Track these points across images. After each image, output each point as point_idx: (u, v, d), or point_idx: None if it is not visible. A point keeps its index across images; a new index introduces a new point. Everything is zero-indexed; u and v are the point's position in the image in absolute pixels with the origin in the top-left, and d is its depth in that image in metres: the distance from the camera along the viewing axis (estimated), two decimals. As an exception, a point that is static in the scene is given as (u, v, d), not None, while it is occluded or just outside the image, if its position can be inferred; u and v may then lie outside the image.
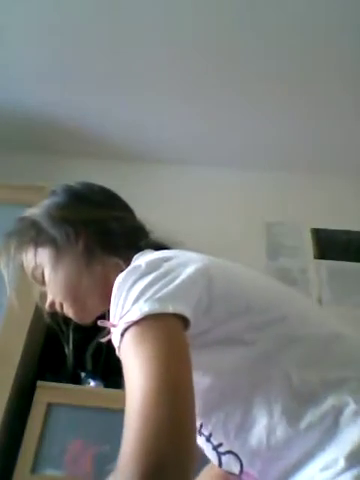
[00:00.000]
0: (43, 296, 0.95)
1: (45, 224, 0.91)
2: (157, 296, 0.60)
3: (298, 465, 0.59)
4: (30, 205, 1.93)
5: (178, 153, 2.83)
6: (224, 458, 0.68)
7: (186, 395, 0.55)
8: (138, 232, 0.99)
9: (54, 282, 0.88)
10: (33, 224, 0.92)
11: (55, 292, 0.89)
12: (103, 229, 0.90)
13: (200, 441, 0.71)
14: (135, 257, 0.82)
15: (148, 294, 0.61)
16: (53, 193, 1.02)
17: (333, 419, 0.58)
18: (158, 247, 0.89)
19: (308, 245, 2.61)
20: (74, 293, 0.88)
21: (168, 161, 2.86)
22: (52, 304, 0.92)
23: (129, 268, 0.70)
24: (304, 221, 2.68)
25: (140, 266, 0.68)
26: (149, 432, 0.52)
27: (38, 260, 0.88)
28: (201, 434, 0.70)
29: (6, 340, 1.64)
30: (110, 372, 1.84)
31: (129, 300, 0.62)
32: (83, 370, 1.78)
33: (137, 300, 0.61)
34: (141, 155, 2.85)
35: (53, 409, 1.63)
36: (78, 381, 1.74)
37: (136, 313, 0.59)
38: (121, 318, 0.62)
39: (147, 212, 2.93)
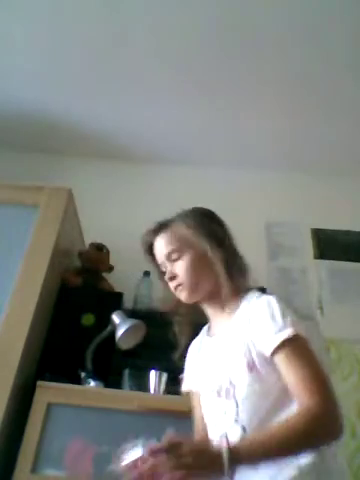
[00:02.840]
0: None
1: (204, 228, 1.22)
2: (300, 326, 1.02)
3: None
4: (30, 205, 1.95)
5: (178, 153, 2.83)
6: (234, 427, 1.00)
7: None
8: (245, 271, 1.24)
9: (189, 266, 1.16)
10: (203, 219, 1.25)
11: (184, 272, 1.16)
12: (233, 253, 1.23)
13: (231, 409, 1.02)
14: (255, 291, 1.18)
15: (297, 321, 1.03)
16: (202, 212, 1.37)
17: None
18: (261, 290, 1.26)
19: (308, 245, 2.61)
20: (196, 279, 1.16)
21: (168, 161, 2.86)
22: (172, 277, 1.18)
23: (276, 298, 1.10)
24: (304, 221, 2.68)
25: (281, 301, 1.09)
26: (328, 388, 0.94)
27: (185, 246, 1.19)
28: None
29: (6, 340, 1.64)
30: (110, 372, 1.84)
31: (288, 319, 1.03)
32: (83, 370, 1.78)
33: (294, 323, 1.02)
34: (141, 155, 2.85)
35: (53, 409, 1.62)
36: (78, 381, 1.74)
37: (297, 330, 1.00)
38: (280, 330, 1.00)
39: (147, 212, 2.95)
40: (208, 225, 1.23)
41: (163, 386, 1.74)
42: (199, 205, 2.68)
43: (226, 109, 2.51)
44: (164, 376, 1.74)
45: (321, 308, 2.37)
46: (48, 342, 1.89)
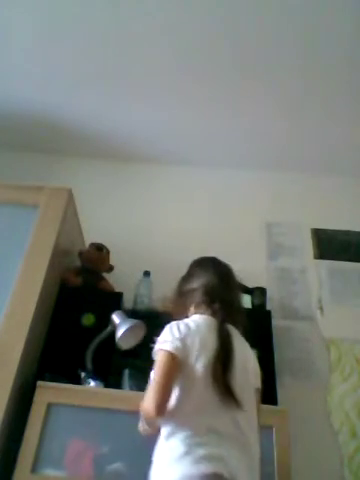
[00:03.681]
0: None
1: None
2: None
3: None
4: (30, 205, 1.95)
5: (178, 153, 2.83)
6: None
7: None
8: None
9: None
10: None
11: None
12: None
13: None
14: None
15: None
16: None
17: None
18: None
19: (308, 245, 2.61)
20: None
21: (168, 161, 2.86)
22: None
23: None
24: (304, 221, 2.68)
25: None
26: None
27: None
28: None
29: (6, 340, 1.64)
30: (110, 372, 1.84)
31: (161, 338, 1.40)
32: (83, 370, 1.78)
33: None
34: (141, 155, 2.85)
35: (53, 409, 1.62)
36: (78, 381, 1.74)
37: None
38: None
39: (147, 212, 2.94)
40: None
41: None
42: (199, 205, 2.70)
43: (226, 109, 2.51)
44: None
45: (321, 308, 2.37)
46: (48, 342, 1.89)
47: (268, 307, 2.23)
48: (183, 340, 1.30)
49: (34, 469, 1.52)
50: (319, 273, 2.51)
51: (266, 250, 2.59)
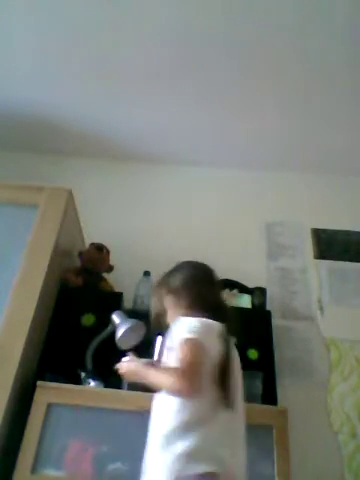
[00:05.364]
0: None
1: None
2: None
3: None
4: (30, 205, 1.95)
5: (178, 153, 2.83)
6: None
7: None
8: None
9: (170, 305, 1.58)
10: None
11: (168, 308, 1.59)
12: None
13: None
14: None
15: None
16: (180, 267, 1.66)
17: None
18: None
19: (308, 245, 2.61)
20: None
21: (168, 161, 2.86)
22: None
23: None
24: (304, 221, 2.68)
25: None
26: None
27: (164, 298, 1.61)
28: None
29: (6, 340, 1.64)
30: (110, 372, 1.84)
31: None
32: (83, 370, 1.78)
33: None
34: (141, 155, 2.85)
35: (53, 409, 1.62)
36: (78, 381, 1.74)
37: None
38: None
39: (147, 212, 2.94)
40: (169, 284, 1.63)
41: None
42: (199, 205, 2.70)
43: (226, 109, 2.51)
44: None
45: (321, 308, 2.37)
46: (48, 342, 1.89)
47: (268, 307, 2.23)
48: (205, 337, 1.34)
49: (34, 469, 1.52)
50: (319, 273, 2.51)
51: (266, 250, 2.59)
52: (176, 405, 1.27)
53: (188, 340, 1.31)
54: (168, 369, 1.32)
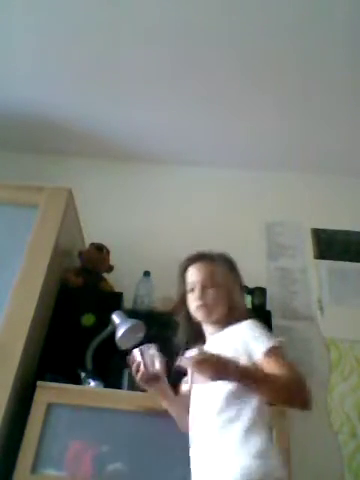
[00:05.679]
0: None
1: (237, 277, 1.59)
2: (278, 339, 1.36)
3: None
4: (30, 205, 1.95)
5: (178, 153, 2.83)
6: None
7: None
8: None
9: (219, 298, 1.47)
10: (236, 269, 1.61)
11: (212, 300, 1.46)
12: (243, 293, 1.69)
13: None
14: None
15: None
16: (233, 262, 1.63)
17: None
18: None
19: (308, 245, 2.61)
20: (217, 308, 1.47)
21: (168, 161, 2.86)
22: (201, 297, 1.47)
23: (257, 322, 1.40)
24: (304, 221, 2.68)
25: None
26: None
27: (222, 282, 1.51)
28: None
29: (6, 340, 1.64)
30: (110, 372, 1.84)
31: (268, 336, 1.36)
32: (83, 370, 1.78)
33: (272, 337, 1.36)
34: (141, 155, 2.85)
35: (53, 409, 1.62)
36: (78, 381, 1.74)
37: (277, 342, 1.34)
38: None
39: (147, 212, 2.94)
40: (238, 274, 1.59)
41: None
42: (199, 205, 2.70)
43: (226, 109, 2.51)
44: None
45: (321, 308, 2.37)
46: (48, 342, 1.89)
47: (268, 307, 2.23)
48: None
49: (34, 469, 1.52)
50: (319, 273, 2.51)
51: (266, 250, 2.59)
52: (255, 402, 1.26)
53: (279, 349, 1.33)
54: (280, 377, 1.23)
